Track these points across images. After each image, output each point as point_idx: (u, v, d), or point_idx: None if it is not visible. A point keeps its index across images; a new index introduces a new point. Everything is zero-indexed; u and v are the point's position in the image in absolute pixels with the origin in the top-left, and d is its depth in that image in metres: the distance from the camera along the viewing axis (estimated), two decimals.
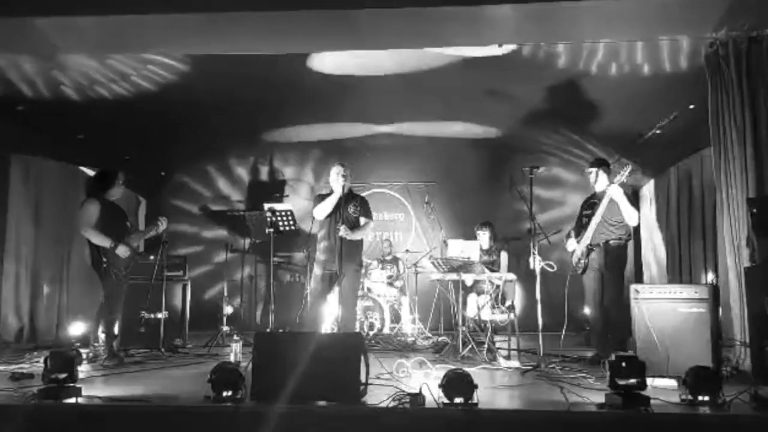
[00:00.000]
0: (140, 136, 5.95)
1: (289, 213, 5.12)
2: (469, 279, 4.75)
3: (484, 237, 5.24)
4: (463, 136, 6.35)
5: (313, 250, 4.21)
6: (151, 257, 4.71)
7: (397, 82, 4.73)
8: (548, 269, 3.91)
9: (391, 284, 5.99)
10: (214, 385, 2.46)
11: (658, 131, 5.42)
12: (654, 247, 6.51)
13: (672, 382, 2.86)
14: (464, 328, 4.16)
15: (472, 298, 4.94)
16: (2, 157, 5.22)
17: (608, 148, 6.27)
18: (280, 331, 5.15)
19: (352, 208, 3.97)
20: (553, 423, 2.33)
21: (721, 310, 3.36)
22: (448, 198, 6.97)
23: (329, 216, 3.91)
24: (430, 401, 2.42)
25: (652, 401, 2.34)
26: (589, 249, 3.97)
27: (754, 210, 3.25)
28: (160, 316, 4.54)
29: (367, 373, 2.65)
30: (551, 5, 3.29)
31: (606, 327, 3.91)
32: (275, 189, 7.36)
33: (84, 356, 3.44)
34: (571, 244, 4.14)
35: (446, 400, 2.40)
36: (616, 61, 4.22)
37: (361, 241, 4.05)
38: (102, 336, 3.91)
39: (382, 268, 6.04)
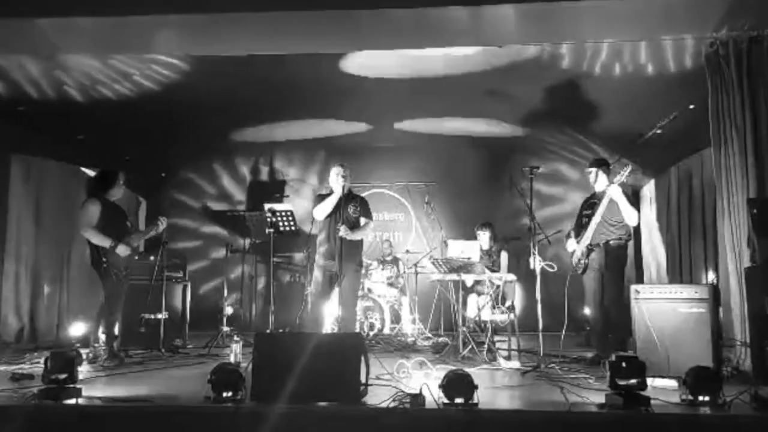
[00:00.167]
0: (140, 136, 5.95)
1: (289, 213, 5.12)
2: (469, 279, 4.75)
3: (484, 237, 5.24)
4: (463, 133, 6.33)
5: (313, 250, 4.21)
6: (151, 258, 4.71)
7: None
8: (548, 269, 3.91)
9: (391, 284, 5.99)
10: (214, 386, 2.46)
11: (658, 131, 5.42)
12: (654, 247, 6.51)
13: (672, 383, 2.86)
14: (464, 329, 4.16)
15: (472, 298, 4.94)
16: (3, 157, 5.22)
17: (608, 148, 6.27)
18: (280, 331, 5.15)
19: (352, 208, 3.97)
20: (553, 423, 2.33)
21: (721, 310, 3.35)
22: (448, 198, 6.97)
23: (329, 216, 3.91)
24: (430, 402, 2.42)
25: (652, 401, 2.34)
26: (589, 249, 3.97)
27: (755, 210, 3.25)
28: (160, 316, 4.54)
29: (368, 373, 2.65)
30: (551, 5, 3.29)
31: (606, 327, 3.91)
32: (275, 189, 7.36)
33: (84, 357, 3.44)
34: (571, 245, 4.14)
35: (446, 401, 2.40)
36: (615, 61, 4.22)
37: (361, 242, 4.05)
38: (102, 336, 3.91)
39: (383, 269, 6.04)
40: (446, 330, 5.55)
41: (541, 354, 3.63)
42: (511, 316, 4.53)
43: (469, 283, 4.94)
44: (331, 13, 3.40)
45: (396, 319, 5.80)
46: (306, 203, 6.95)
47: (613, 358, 2.43)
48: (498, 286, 4.59)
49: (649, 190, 6.73)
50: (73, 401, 2.49)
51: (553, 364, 3.59)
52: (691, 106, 4.65)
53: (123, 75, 4.49)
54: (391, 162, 7.16)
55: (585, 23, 3.62)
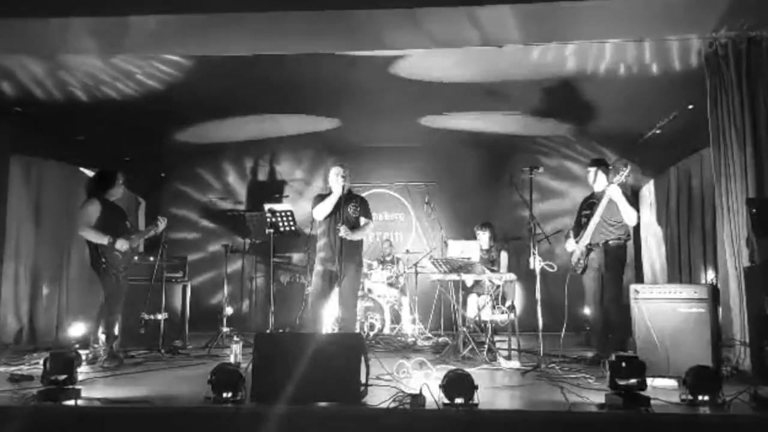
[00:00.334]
0: (140, 136, 5.95)
1: (289, 213, 5.11)
2: (469, 279, 4.75)
3: (483, 237, 5.24)
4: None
5: (313, 250, 4.21)
6: (151, 258, 4.71)
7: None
8: (548, 269, 3.91)
9: (391, 285, 5.99)
10: (214, 387, 2.46)
11: (657, 131, 5.43)
12: (654, 247, 6.52)
13: (672, 382, 2.86)
14: (464, 329, 4.16)
15: (472, 298, 4.94)
16: (2, 158, 5.22)
17: (608, 148, 6.28)
18: (280, 331, 5.15)
19: (352, 208, 3.97)
20: (553, 423, 2.33)
21: (720, 310, 3.36)
22: (448, 198, 6.97)
23: (329, 216, 3.91)
24: (430, 402, 2.42)
25: (652, 401, 2.35)
26: (589, 249, 3.97)
27: (754, 210, 3.26)
28: (159, 317, 4.54)
29: (368, 373, 2.65)
30: (551, 5, 3.29)
31: (606, 327, 3.91)
32: (275, 189, 7.36)
33: (83, 358, 3.43)
34: (571, 245, 4.14)
35: (447, 401, 2.40)
36: (614, 61, 4.22)
37: (361, 242, 4.05)
38: (102, 337, 3.90)
39: (383, 269, 6.04)
40: (446, 330, 5.55)
41: (541, 354, 3.63)
42: (511, 316, 4.53)
43: (469, 283, 4.95)
44: (329, 13, 3.40)
45: (396, 319, 5.80)
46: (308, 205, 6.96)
47: (613, 358, 2.44)
48: (498, 286, 4.59)
49: (648, 190, 6.74)
50: (72, 402, 2.49)
51: (553, 364, 3.60)
52: (691, 106, 4.66)
53: (123, 74, 4.48)
54: (391, 162, 7.16)
55: (584, 23, 3.62)
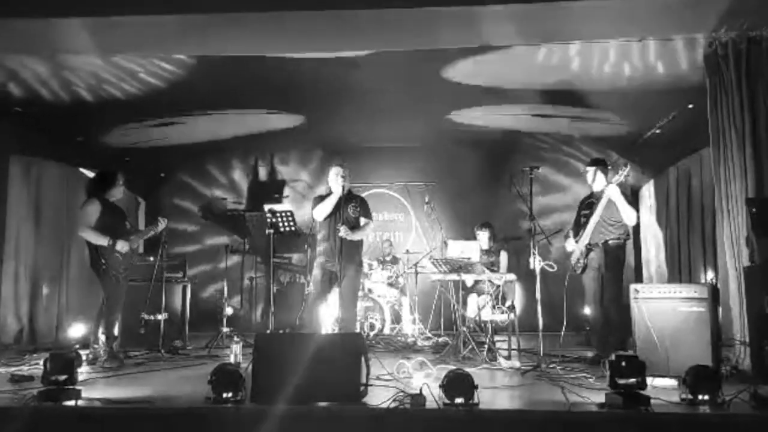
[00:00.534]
0: (140, 137, 5.95)
1: (289, 214, 5.11)
2: (469, 279, 4.75)
3: (483, 237, 5.25)
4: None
5: (313, 250, 4.21)
6: (151, 258, 4.71)
7: None
8: (548, 269, 3.92)
9: (391, 285, 5.99)
10: (214, 387, 2.46)
11: (657, 131, 5.43)
12: (654, 247, 6.52)
13: (672, 382, 2.86)
14: (465, 329, 4.16)
15: (472, 298, 4.94)
16: (2, 158, 5.22)
17: (607, 148, 6.27)
18: (281, 332, 5.15)
19: (352, 208, 3.97)
20: (553, 423, 2.33)
21: (720, 309, 3.36)
22: (448, 198, 6.97)
23: (329, 217, 3.91)
24: (430, 402, 2.42)
25: (652, 401, 2.35)
26: (588, 249, 3.97)
27: (754, 210, 3.26)
28: (160, 317, 4.54)
29: (368, 373, 2.65)
30: (550, 5, 3.29)
31: (606, 327, 3.91)
32: (275, 190, 7.36)
33: (84, 358, 3.43)
34: (570, 244, 4.14)
35: (447, 401, 2.40)
36: (614, 61, 4.23)
37: (361, 242, 4.05)
38: (102, 337, 3.90)
39: (383, 269, 6.04)
40: (446, 330, 5.55)
41: (542, 354, 3.63)
42: (512, 315, 4.54)
43: (469, 283, 4.95)
44: (330, 13, 3.40)
45: (396, 319, 5.80)
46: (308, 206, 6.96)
47: (613, 357, 2.44)
48: (498, 286, 4.59)
49: (648, 190, 6.74)
50: (72, 403, 2.49)
51: (553, 364, 3.60)
52: (690, 106, 4.66)
53: (123, 74, 4.48)
54: (391, 162, 7.17)
55: (583, 23, 3.63)
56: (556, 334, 3.98)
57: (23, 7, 3.37)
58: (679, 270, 5.65)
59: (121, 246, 3.83)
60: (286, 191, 7.34)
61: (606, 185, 3.92)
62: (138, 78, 4.53)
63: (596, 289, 3.97)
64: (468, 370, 2.57)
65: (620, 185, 3.85)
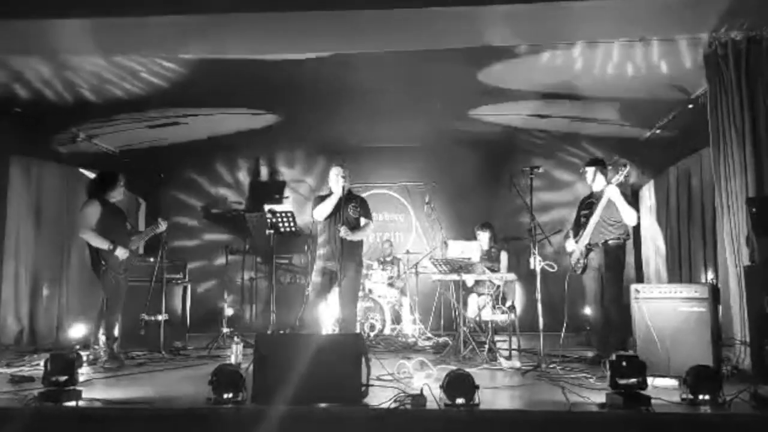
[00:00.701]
0: (139, 137, 5.95)
1: (289, 214, 5.12)
2: (470, 279, 4.76)
3: (484, 238, 5.24)
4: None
5: (314, 251, 4.21)
6: (151, 259, 4.71)
7: None
8: (548, 269, 3.91)
9: (391, 285, 5.99)
10: (215, 387, 2.46)
11: (657, 131, 5.43)
12: (654, 247, 6.52)
13: (672, 382, 2.86)
14: (465, 329, 4.16)
15: (472, 298, 4.94)
16: (2, 158, 5.22)
17: (607, 148, 6.27)
18: (281, 332, 5.15)
19: (352, 208, 3.97)
20: (554, 423, 2.33)
21: (721, 309, 3.36)
22: (449, 198, 6.97)
23: (329, 217, 3.91)
24: (431, 402, 2.42)
25: (652, 401, 2.35)
26: (588, 249, 3.97)
27: (754, 210, 3.26)
28: (160, 318, 4.54)
29: (368, 374, 2.65)
30: (550, 5, 3.29)
31: (606, 327, 3.91)
32: (275, 190, 7.36)
33: (84, 359, 3.43)
34: (570, 245, 4.13)
35: (448, 401, 2.40)
36: (614, 61, 4.23)
37: (361, 242, 4.05)
38: (102, 338, 3.90)
39: (383, 269, 6.04)
40: (447, 330, 5.55)
41: (542, 354, 3.63)
42: (512, 316, 4.54)
43: (469, 284, 4.95)
44: (329, 14, 3.40)
45: (396, 319, 5.80)
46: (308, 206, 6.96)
47: (614, 357, 2.44)
48: (498, 286, 4.60)
49: (648, 189, 6.74)
50: (73, 403, 2.49)
51: (553, 364, 3.60)
52: (690, 106, 4.66)
53: (125, 74, 4.48)
54: (391, 162, 7.17)
55: (583, 23, 3.63)
56: (556, 334, 3.98)
57: (22, 8, 3.37)
58: (680, 269, 5.65)
59: (122, 253, 3.84)
60: (287, 192, 7.34)
61: (606, 185, 3.92)
62: (139, 77, 4.53)
63: (597, 289, 3.96)
64: (468, 370, 2.57)
65: (620, 185, 3.84)
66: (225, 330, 5.14)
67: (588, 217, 3.98)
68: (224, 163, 7.49)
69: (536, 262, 3.84)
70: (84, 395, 2.58)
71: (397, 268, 6.17)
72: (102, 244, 3.80)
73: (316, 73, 4.49)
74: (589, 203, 4.10)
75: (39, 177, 5.57)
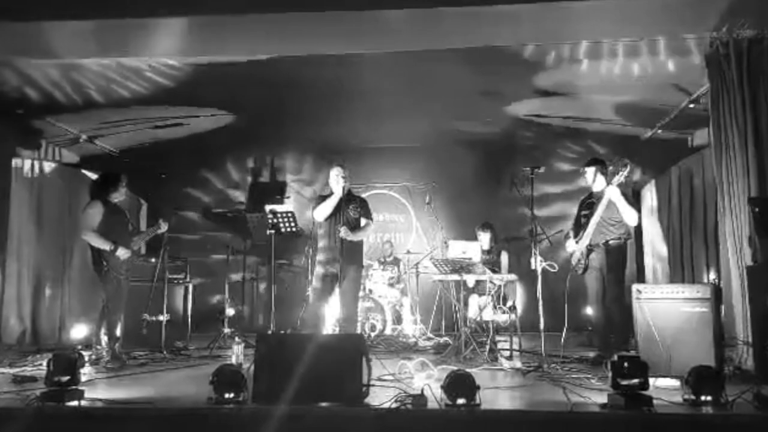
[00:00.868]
0: (141, 138, 5.96)
1: (290, 214, 5.12)
2: (471, 280, 4.75)
3: (484, 238, 5.24)
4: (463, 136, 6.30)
5: (314, 251, 4.21)
6: (153, 259, 4.71)
7: None
8: (549, 269, 3.91)
9: (392, 285, 5.99)
10: (216, 387, 2.46)
11: (658, 131, 5.42)
12: (655, 247, 6.51)
13: (674, 382, 2.86)
14: (466, 329, 4.16)
15: (473, 298, 4.94)
16: (4, 159, 5.23)
17: (607, 148, 6.26)
18: (282, 332, 5.15)
19: (353, 209, 3.97)
20: (555, 423, 2.33)
21: (723, 309, 3.35)
22: (449, 198, 6.96)
23: (330, 217, 3.91)
24: (432, 402, 2.42)
25: (654, 401, 2.34)
26: (589, 249, 3.96)
27: (756, 209, 3.25)
28: (161, 318, 4.54)
29: (369, 374, 2.65)
30: (550, 5, 3.29)
31: (608, 327, 3.90)
32: (277, 191, 7.36)
33: (86, 359, 3.43)
34: (571, 245, 4.13)
35: (449, 402, 2.40)
36: (615, 61, 4.22)
37: (361, 242, 4.05)
38: (104, 338, 3.91)
39: (383, 270, 6.04)
40: (448, 330, 5.55)
41: (543, 354, 3.62)
42: (513, 316, 4.53)
43: (470, 284, 4.94)
44: (329, 14, 3.40)
45: (397, 319, 5.80)
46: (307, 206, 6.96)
47: (615, 358, 2.43)
48: (499, 287, 4.59)
49: (649, 189, 6.73)
50: (75, 403, 2.50)
51: (555, 364, 3.59)
52: (691, 106, 4.65)
53: (127, 74, 4.49)
54: (392, 162, 7.16)
55: (584, 23, 3.63)
56: (557, 335, 3.98)
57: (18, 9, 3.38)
58: (682, 270, 5.64)
59: (123, 253, 3.84)
60: (288, 192, 7.35)
61: (606, 186, 3.91)
62: (144, 77, 4.54)
63: (598, 290, 3.95)
64: (469, 370, 2.57)
65: (621, 185, 3.83)
66: (226, 330, 5.14)
67: (588, 217, 3.97)
68: (224, 163, 7.50)
69: (537, 262, 3.83)
70: (86, 395, 2.58)
71: (398, 269, 6.17)
72: (104, 245, 3.81)
73: (317, 73, 4.50)
74: (589, 203, 4.09)
75: (41, 178, 5.59)
